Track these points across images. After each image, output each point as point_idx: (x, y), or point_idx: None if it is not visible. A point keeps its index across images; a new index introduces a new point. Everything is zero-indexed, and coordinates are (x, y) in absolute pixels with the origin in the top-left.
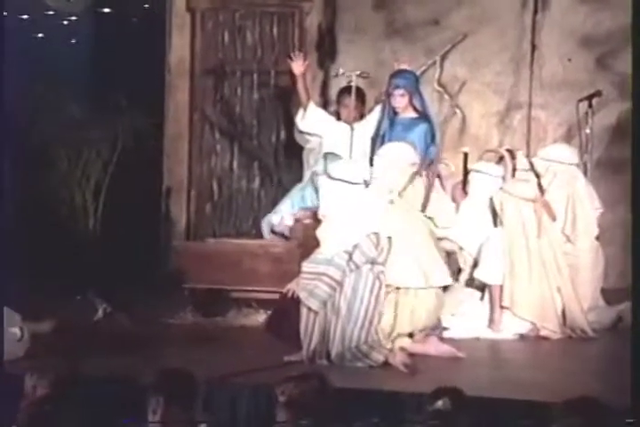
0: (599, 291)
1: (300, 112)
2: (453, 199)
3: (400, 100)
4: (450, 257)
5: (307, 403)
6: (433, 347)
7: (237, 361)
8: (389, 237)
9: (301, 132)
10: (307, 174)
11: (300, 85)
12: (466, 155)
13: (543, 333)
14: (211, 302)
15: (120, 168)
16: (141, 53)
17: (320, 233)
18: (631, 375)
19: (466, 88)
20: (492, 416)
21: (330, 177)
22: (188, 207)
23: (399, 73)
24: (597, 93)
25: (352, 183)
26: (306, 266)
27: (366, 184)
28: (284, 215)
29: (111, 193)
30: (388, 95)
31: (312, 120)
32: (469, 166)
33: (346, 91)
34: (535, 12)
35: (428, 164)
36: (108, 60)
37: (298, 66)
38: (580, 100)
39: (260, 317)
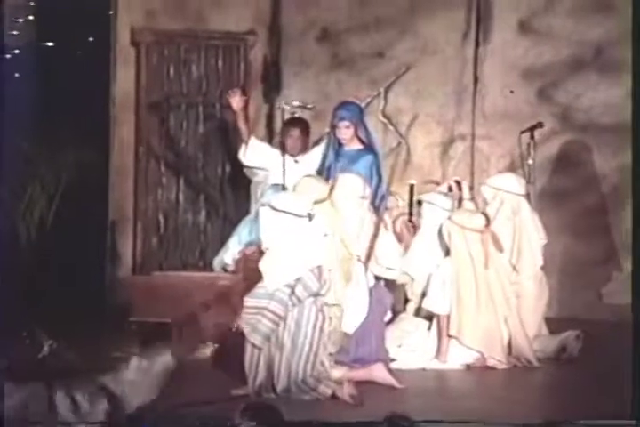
0: (543, 320)
1: (242, 147)
2: (400, 235)
3: (345, 132)
4: (397, 288)
5: None
6: (377, 373)
7: (184, 394)
8: (330, 270)
9: (246, 166)
10: (254, 207)
11: (239, 121)
12: (412, 186)
13: (489, 362)
14: (158, 335)
15: (65, 202)
16: (86, 87)
17: (262, 266)
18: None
19: (408, 119)
20: None
21: (273, 208)
22: (134, 241)
23: (343, 105)
24: (539, 125)
25: (296, 216)
26: (248, 300)
27: (310, 217)
28: (234, 253)
29: (56, 227)
30: (333, 127)
31: (255, 155)
32: (418, 197)
33: (290, 122)
34: (477, 44)
35: (380, 197)
36: (52, 93)
37: (236, 101)
38: (523, 132)
39: (208, 350)
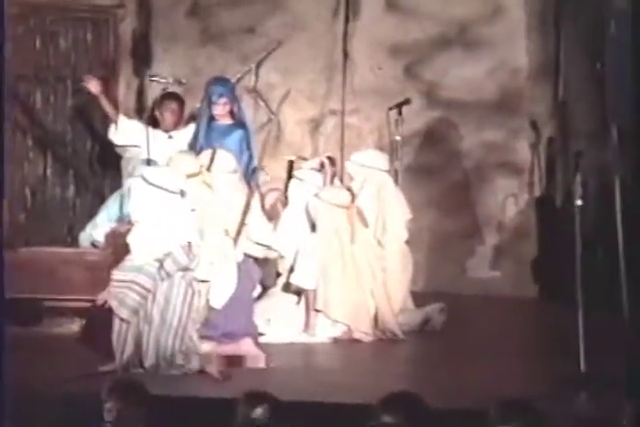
0: (408, 294)
1: (112, 127)
2: (272, 211)
3: (223, 108)
4: (268, 263)
5: (126, 411)
6: (245, 347)
7: (51, 370)
8: (200, 246)
9: (117, 145)
10: (125, 182)
11: (103, 103)
12: (291, 162)
13: (356, 335)
14: (24, 311)
15: None
16: None
17: (131, 239)
18: None
19: (280, 95)
20: (310, 421)
21: (145, 182)
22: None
23: (219, 81)
24: (406, 101)
25: (168, 191)
26: (116, 274)
27: (182, 194)
28: (104, 229)
29: None
30: (211, 103)
31: (125, 133)
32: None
33: (165, 97)
34: (346, 20)
35: (251, 172)
36: None
37: (93, 86)
38: (391, 108)
39: (75, 325)
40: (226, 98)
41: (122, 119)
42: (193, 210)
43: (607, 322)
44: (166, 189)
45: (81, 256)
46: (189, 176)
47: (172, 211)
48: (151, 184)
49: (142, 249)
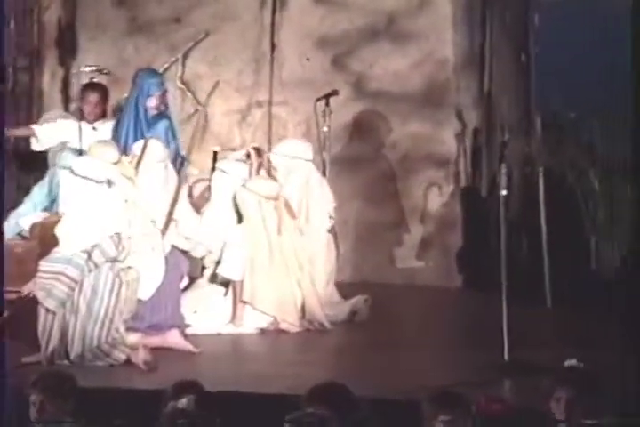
0: (333, 284)
1: (33, 140)
2: (199, 202)
3: (158, 101)
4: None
5: (51, 403)
6: (172, 339)
7: None
8: (129, 237)
9: (44, 151)
10: (49, 172)
11: (15, 133)
12: (215, 153)
13: (283, 326)
14: None
15: None
16: None
17: (59, 231)
18: None
19: (207, 86)
20: (235, 410)
21: (73, 173)
22: None
23: (150, 73)
24: (334, 93)
25: (95, 182)
26: (43, 265)
27: (109, 184)
28: (31, 219)
29: None
30: (147, 96)
31: (48, 137)
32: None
33: (88, 87)
34: (274, 11)
35: (180, 162)
36: None
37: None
38: (318, 99)
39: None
40: (161, 90)
41: (38, 129)
42: (125, 201)
43: (531, 311)
44: (92, 180)
45: (6, 248)
46: (112, 166)
47: (99, 201)
48: (77, 175)
49: (70, 240)
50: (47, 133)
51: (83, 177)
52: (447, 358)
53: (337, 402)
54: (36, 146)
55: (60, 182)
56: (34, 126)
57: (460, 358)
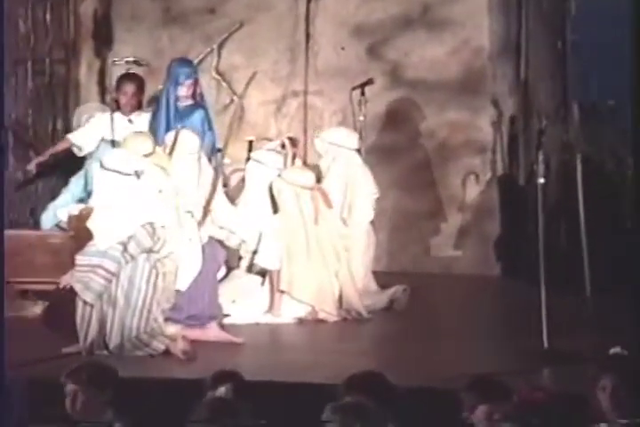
0: (371, 274)
1: (74, 149)
2: (237, 190)
3: (188, 90)
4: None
5: (90, 393)
6: (212, 333)
7: (14, 353)
8: (164, 227)
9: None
10: (86, 164)
11: (52, 152)
12: (250, 143)
13: (321, 315)
14: None
15: None
16: None
17: (92, 224)
18: None
19: (243, 76)
20: (275, 400)
21: (102, 167)
22: None
23: (183, 62)
24: (369, 82)
25: (124, 174)
26: (80, 259)
27: (137, 175)
28: (68, 210)
29: None
30: (177, 85)
31: (87, 143)
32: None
33: (124, 78)
34: (308, 1)
35: (215, 153)
36: None
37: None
38: (354, 88)
39: (38, 308)
40: (192, 79)
41: (74, 137)
42: (160, 191)
43: (569, 299)
44: (120, 172)
45: (44, 239)
46: (146, 157)
47: (129, 193)
48: (106, 169)
49: (104, 234)
50: (84, 138)
51: (112, 170)
52: (486, 346)
53: (375, 391)
54: (79, 153)
55: (93, 177)
56: (69, 136)
57: (500, 347)
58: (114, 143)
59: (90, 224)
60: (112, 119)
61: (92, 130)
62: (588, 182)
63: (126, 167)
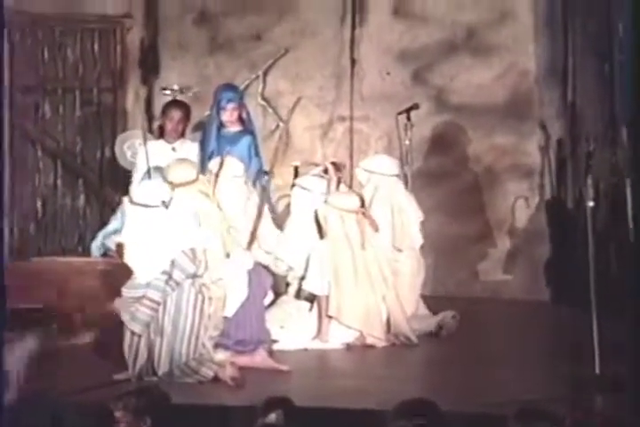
0: (419, 298)
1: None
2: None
3: (232, 114)
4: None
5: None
6: (259, 360)
7: (66, 380)
8: (205, 250)
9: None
10: None
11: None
12: (296, 168)
13: (369, 341)
14: (37, 320)
15: None
16: None
17: (128, 261)
18: None
19: (288, 102)
20: (323, 426)
21: (130, 202)
22: (10, 227)
23: (227, 87)
24: (415, 106)
25: (150, 206)
26: (125, 291)
27: (166, 205)
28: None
29: None
30: (219, 109)
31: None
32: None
33: (172, 104)
34: (353, 27)
35: (262, 178)
36: None
37: None
38: (399, 113)
39: (89, 335)
40: (234, 103)
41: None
42: (197, 215)
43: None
44: (146, 205)
45: (93, 266)
46: (186, 184)
47: (160, 224)
48: (135, 204)
49: (142, 268)
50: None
51: (140, 204)
52: (536, 372)
53: (425, 418)
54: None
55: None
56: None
57: (550, 373)
58: (149, 171)
59: (126, 260)
60: (146, 152)
61: (141, 163)
62: (637, 206)
63: (153, 200)
